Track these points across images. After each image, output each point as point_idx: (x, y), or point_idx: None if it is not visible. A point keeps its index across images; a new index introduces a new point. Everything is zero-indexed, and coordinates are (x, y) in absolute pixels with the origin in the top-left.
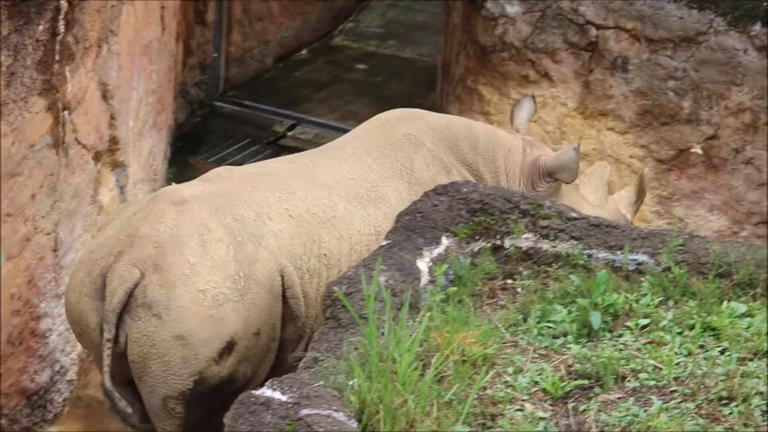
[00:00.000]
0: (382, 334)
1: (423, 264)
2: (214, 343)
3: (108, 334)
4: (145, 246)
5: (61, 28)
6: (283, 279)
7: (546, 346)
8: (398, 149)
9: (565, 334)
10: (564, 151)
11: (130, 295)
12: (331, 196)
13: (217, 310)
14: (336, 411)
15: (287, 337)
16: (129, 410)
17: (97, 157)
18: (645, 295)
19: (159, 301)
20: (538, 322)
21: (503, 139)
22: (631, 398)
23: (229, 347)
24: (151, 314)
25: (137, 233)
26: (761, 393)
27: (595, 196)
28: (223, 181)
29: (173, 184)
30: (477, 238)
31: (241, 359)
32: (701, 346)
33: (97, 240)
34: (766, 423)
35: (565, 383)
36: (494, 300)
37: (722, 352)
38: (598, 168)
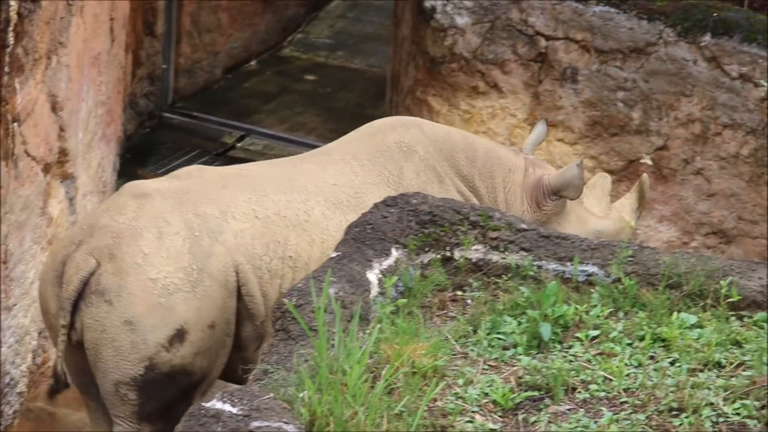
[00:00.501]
0: (332, 346)
1: (373, 276)
2: (162, 330)
3: (63, 321)
4: (103, 236)
5: (11, 39)
6: (237, 276)
7: (496, 358)
8: (387, 156)
9: (515, 346)
10: (567, 168)
11: (86, 283)
12: (308, 201)
13: (167, 298)
14: (286, 423)
15: (246, 335)
16: (61, 390)
17: (47, 168)
18: (595, 306)
19: (111, 288)
20: (488, 334)
21: (504, 157)
22: (582, 410)
23: (179, 335)
24: (103, 300)
25: (98, 224)
26: (711, 404)
27: (598, 207)
28: (191, 179)
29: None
30: (427, 249)
31: (196, 351)
32: (651, 357)
33: (67, 231)
34: None
35: (515, 395)
36: (444, 312)
37: (672, 363)
38: (600, 179)
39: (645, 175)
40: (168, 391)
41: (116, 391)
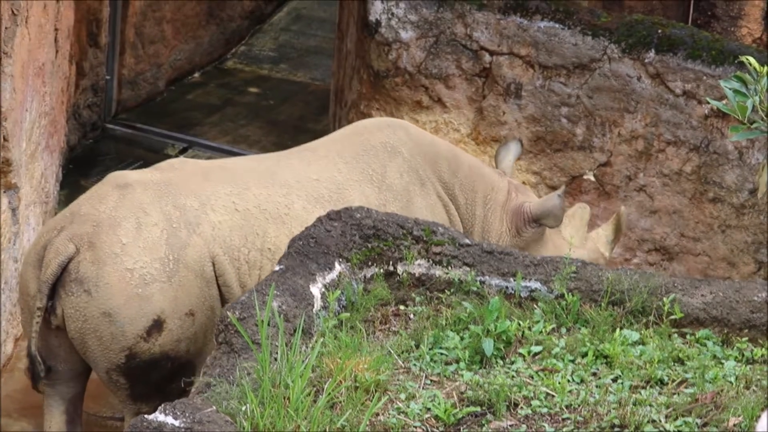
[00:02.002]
0: (275, 359)
1: (316, 289)
2: (140, 321)
3: (39, 303)
4: (84, 224)
5: None
6: (214, 266)
7: (438, 373)
8: (372, 155)
9: (457, 361)
10: (549, 197)
11: (65, 269)
12: (289, 195)
13: (144, 288)
14: None
15: None
16: (42, 375)
17: None
18: (538, 322)
19: (89, 277)
20: (431, 349)
21: (488, 176)
22: (524, 425)
23: (157, 325)
24: (82, 290)
25: (79, 211)
26: (653, 421)
27: (576, 237)
28: (174, 171)
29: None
30: (370, 263)
31: (177, 338)
32: (594, 374)
33: (53, 218)
34: None
35: (457, 410)
36: (387, 326)
37: (615, 380)
38: (579, 210)
39: (623, 208)
40: (154, 375)
41: (109, 377)
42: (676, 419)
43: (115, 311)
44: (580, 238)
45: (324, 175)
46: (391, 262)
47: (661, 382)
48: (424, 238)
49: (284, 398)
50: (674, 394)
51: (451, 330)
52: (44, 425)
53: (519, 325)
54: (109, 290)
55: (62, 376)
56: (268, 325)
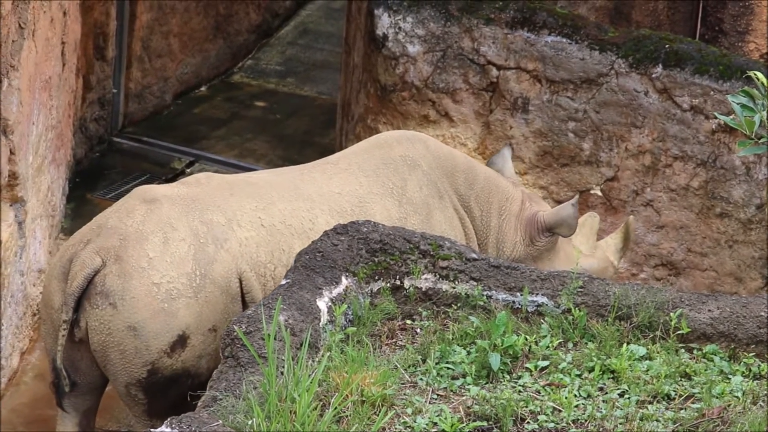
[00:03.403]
0: (282, 373)
1: (323, 304)
2: (165, 336)
3: (65, 316)
4: (111, 237)
5: None
6: (241, 283)
7: (445, 387)
8: (392, 169)
9: (464, 375)
10: (563, 207)
11: (90, 281)
12: (313, 209)
13: (170, 303)
14: None
15: None
16: (67, 390)
17: None
18: (544, 336)
19: (115, 290)
20: (438, 363)
21: (503, 186)
22: None
23: (181, 340)
24: (108, 303)
25: (106, 224)
26: None
27: (586, 246)
28: (200, 186)
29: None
30: (377, 278)
31: (199, 354)
32: (600, 389)
33: (79, 230)
34: None
35: (464, 425)
36: (393, 340)
37: (621, 395)
38: (589, 218)
39: (631, 217)
40: (173, 391)
41: (128, 392)
42: None
43: (140, 325)
44: (589, 246)
45: (346, 189)
46: (397, 277)
47: (668, 397)
48: (431, 253)
49: (291, 412)
50: (681, 409)
51: (458, 344)
52: None
53: (526, 339)
54: (135, 304)
55: (80, 389)
56: (275, 339)
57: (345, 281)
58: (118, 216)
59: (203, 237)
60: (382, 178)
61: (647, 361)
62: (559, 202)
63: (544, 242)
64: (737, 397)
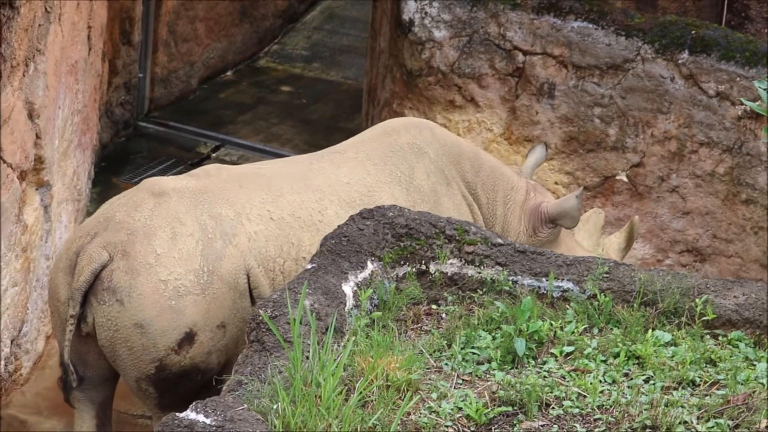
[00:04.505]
0: (307, 358)
1: (348, 288)
2: (172, 334)
3: (72, 311)
4: (118, 231)
5: None
6: (249, 278)
7: (470, 372)
8: (400, 157)
9: (489, 361)
10: (566, 198)
11: (98, 276)
12: (322, 200)
13: (177, 301)
14: None
15: None
16: (74, 385)
17: (23, 176)
18: (570, 322)
19: (122, 287)
20: (463, 348)
21: (508, 175)
22: (555, 426)
23: (188, 338)
24: (115, 299)
25: (114, 218)
26: (685, 422)
27: (589, 241)
28: (209, 178)
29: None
30: (402, 262)
31: (208, 351)
32: (625, 375)
33: (86, 221)
34: None
35: (488, 410)
36: (419, 325)
37: (646, 381)
38: (593, 214)
39: (636, 217)
40: (184, 386)
41: (138, 386)
42: (707, 421)
43: (147, 323)
44: (592, 243)
45: (354, 178)
46: (423, 261)
47: (693, 384)
48: (457, 238)
49: (316, 397)
50: (706, 395)
51: (483, 330)
52: (75, 429)
53: (551, 325)
54: (142, 301)
55: (92, 381)
56: (300, 323)
57: (370, 266)
58: (126, 210)
59: (211, 232)
60: (390, 166)
61: (672, 347)
62: (585, 189)
63: (547, 233)
64: (762, 383)
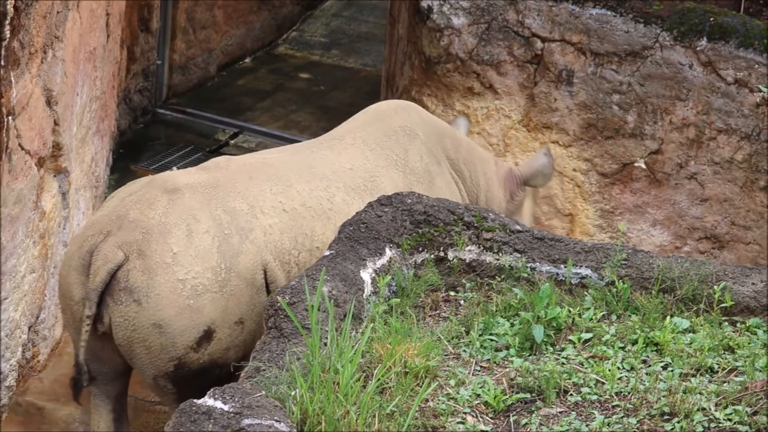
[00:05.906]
0: (325, 344)
1: (366, 275)
2: (191, 333)
3: (88, 311)
4: (133, 230)
5: (7, 33)
6: (266, 273)
7: (488, 359)
8: (394, 140)
9: (507, 347)
10: (535, 157)
11: (113, 276)
12: (329, 188)
13: (195, 300)
14: (278, 421)
15: None
16: (85, 385)
17: (40, 162)
18: (588, 309)
19: (140, 287)
20: (481, 335)
21: (478, 149)
22: (573, 412)
23: (207, 336)
24: (132, 300)
25: (127, 216)
26: (703, 409)
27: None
28: (220, 171)
29: (174, 169)
30: (420, 249)
31: (226, 347)
32: (644, 361)
33: (93, 217)
34: None
35: (507, 396)
36: (437, 312)
37: (665, 368)
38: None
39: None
40: (202, 381)
41: (156, 384)
42: (726, 407)
43: (165, 323)
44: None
45: (356, 164)
46: (441, 248)
47: (711, 370)
48: (475, 224)
49: (334, 383)
50: (724, 382)
51: (502, 316)
52: (92, 425)
53: (569, 311)
54: (160, 301)
55: (106, 376)
56: (318, 310)
57: (389, 252)
58: (140, 208)
59: (227, 227)
60: (386, 150)
61: (690, 334)
62: (603, 175)
63: (521, 196)
64: None
